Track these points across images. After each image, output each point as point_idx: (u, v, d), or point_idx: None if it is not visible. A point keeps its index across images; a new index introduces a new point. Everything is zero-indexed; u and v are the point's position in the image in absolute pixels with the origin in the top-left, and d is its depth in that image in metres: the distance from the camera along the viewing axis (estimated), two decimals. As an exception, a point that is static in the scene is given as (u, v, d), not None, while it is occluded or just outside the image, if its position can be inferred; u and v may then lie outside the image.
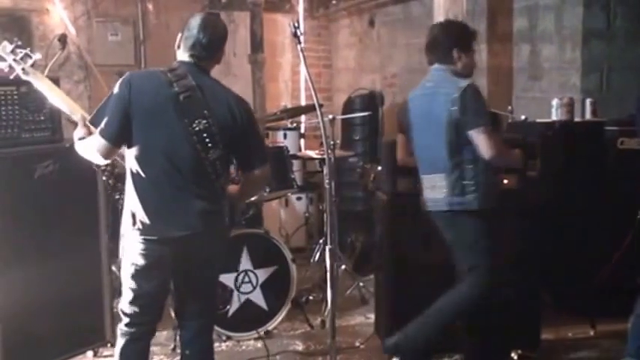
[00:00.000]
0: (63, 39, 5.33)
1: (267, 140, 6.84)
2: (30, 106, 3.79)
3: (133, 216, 2.92)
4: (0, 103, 3.73)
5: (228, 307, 4.43)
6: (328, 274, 3.02)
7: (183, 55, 3.02)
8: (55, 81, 3.84)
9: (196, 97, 2.89)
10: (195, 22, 3.01)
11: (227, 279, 4.42)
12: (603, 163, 4.51)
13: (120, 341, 3.06)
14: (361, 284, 5.26)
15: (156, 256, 2.94)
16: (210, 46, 3.02)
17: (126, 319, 3.04)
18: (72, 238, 3.87)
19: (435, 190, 3.50)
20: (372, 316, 4.63)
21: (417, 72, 6.65)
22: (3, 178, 3.61)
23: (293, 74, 7.99)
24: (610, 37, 4.93)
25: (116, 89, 2.91)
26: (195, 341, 3.21)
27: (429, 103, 3.50)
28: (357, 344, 4.40)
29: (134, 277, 2.98)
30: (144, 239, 2.91)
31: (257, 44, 7.18)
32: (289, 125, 6.13)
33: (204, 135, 2.88)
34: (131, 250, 2.95)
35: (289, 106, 7.05)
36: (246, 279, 4.49)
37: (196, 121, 2.86)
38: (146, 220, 2.90)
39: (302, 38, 3.17)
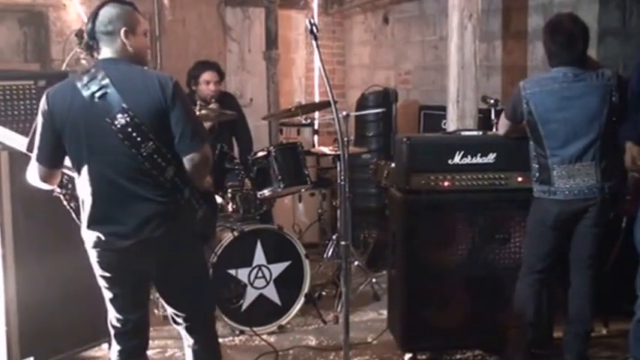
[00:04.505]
0: (80, 34, 5.37)
1: (281, 136, 6.88)
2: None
3: (84, 227, 2.87)
4: (17, 97, 3.77)
5: (241, 301, 4.46)
6: (342, 270, 3.04)
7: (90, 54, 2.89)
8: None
9: (111, 93, 2.71)
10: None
11: (241, 274, 4.45)
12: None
13: None
14: (374, 280, 5.28)
15: (107, 264, 2.85)
16: (95, 33, 2.82)
17: (112, 331, 2.99)
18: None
19: (584, 177, 3.57)
20: (384, 312, 4.63)
21: (431, 69, 6.66)
22: (21, 173, 3.64)
23: (307, 71, 7.99)
24: (625, 35, 4.91)
25: (39, 110, 2.82)
26: (189, 341, 3.08)
27: (582, 95, 3.57)
28: (370, 340, 4.42)
29: (103, 287, 2.93)
30: (94, 250, 2.84)
31: (271, 40, 7.19)
32: (303, 121, 6.15)
33: (129, 130, 2.70)
34: (91, 261, 2.89)
35: (303, 102, 7.07)
36: (260, 274, 4.52)
37: (117, 118, 2.70)
38: (92, 233, 2.82)
39: (318, 35, 3.16)
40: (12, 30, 6.11)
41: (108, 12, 2.82)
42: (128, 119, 2.70)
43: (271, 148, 4.67)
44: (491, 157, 3.93)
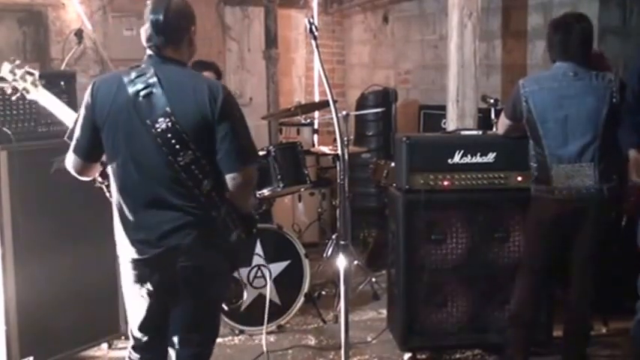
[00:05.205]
0: (79, 34, 5.40)
1: (280, 136, 6.87)
2: (47, 100, 3.81)
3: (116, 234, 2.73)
4: (17, 97, 3.76)
5: (241, 301, 4.45)
6: (341, 270, 3.03)
7: (147, 48, 2.68)
8: (72, 76, 3.87)
9: (157, 94, 2.54)
10: (147, 8, 2.63)
11: (240, 273, 4.44)
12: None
13: None
14: (373, 280, 5.28)
15: (138, 276, 2.68)
16: (166, 28, 2.59)
17: (131, 342, 2.85)
18: (87, 232, 3.90)
19: (582, 177, 3.55)
20: (384, 312, 4.64)
21: (430, 68, 6.66)
22: (19, 172, 3.65)
23: (307, 70, 7.99)
24: (625, 34, 4.91)
25: (84, 100, 2.67)
26: None
27: (581, 94, 3.56)
28: (369, 339, 4.42)
29: (128, 298, 2.79)
30: (127, 260, 2.69)
31: (271, 40, 7.19)
32: (303, 121, 6.15)
33: (169, 136, 2.52)
34: (122, 271, 2.75)
35: (303, 101, 7.07)
36: (260, 273, 4.51)
37: (159, 121, 2.52)
38: (123, 240, 2.68)
39: (317, 34, 3.15)
40: (11, 29, 6.11)
41: (181, 5, 2.65)
42: (169, 124, 2.52)
43: (271, 147, 4.67)
44: (490, 157, 3.93)
